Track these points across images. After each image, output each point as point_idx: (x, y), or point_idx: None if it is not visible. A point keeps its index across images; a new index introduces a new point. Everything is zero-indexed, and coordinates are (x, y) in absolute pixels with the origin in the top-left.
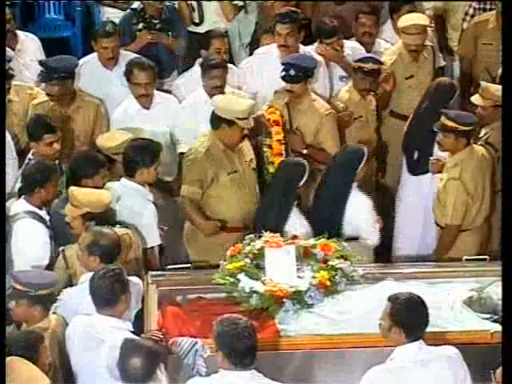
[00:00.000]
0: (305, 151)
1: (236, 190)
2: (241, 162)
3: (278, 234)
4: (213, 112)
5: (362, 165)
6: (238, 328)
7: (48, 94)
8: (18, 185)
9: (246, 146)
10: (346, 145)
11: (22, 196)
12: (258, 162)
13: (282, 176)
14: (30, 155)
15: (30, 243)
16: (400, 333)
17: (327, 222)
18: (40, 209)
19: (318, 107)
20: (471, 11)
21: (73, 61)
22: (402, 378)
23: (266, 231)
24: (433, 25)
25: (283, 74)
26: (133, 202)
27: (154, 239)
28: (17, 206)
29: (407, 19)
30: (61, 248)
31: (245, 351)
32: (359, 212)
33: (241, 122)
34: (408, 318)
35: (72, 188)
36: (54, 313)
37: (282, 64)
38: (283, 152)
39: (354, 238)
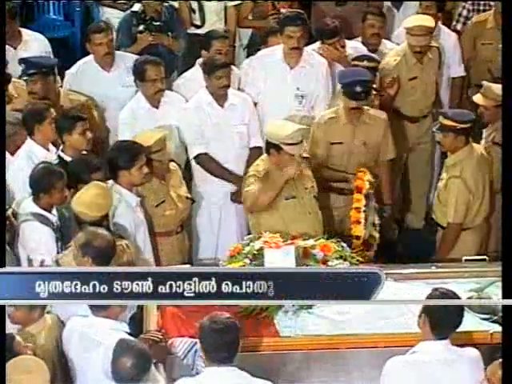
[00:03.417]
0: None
1: (294, 216)
2: (300, 189)
3: (277, 235)
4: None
5: None
6: (216, 322)
7: (31, 92)
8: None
9: (307, 174)
10: None
11: (31, 197)
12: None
13: None
14: (59, 152)
15: (34, 247)
16: (425, 322)
17: None
18: (48, 211)
19: (376, 114)
20: (465, 12)
21: (52, 59)
22: (424, 373)
23: None
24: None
25: (348, 91)
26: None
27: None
28: (26, 206)
29: (412, 20)
30: (54, 258)
31: (221, 345)
32: None
33: (288, 147)
34: (436, 310)
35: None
36: (48, 312)
37: (345, 82)
38: (362, 221)
39: None
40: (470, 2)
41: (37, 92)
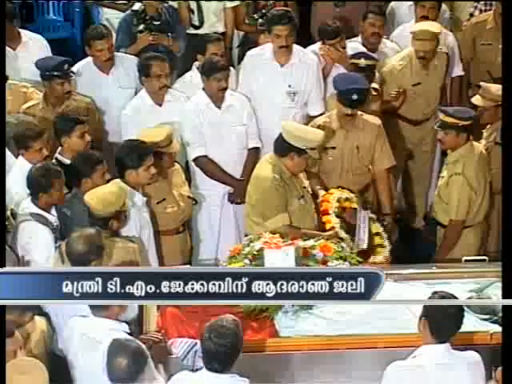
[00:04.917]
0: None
1: (301, 217)
2: (302, 188)
3: (277, 235)
4: (281, 139)
5: None
6: (212, 331)
7: (55, 95)
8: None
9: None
10: None
11: (30, 197)
12: None
13: None
14: (57, 155)
15: (32, 248)
16: (425, 326)
17: None
18: (47, 211)
19: (369, 119)
20: (477, 13)
21: (65, 59)
22: (424, 377)
23: None
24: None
25: (344, 98)
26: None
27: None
28: (24, 206)
29: (418, 25)
30: (57, 243)
31: (210, 354)
32: None
33: (311, 152)
34: (436, 314)
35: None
36: (38, 314)
37: (341, 89)
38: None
39: None
40: (482, 3)
41: (68, 91)
